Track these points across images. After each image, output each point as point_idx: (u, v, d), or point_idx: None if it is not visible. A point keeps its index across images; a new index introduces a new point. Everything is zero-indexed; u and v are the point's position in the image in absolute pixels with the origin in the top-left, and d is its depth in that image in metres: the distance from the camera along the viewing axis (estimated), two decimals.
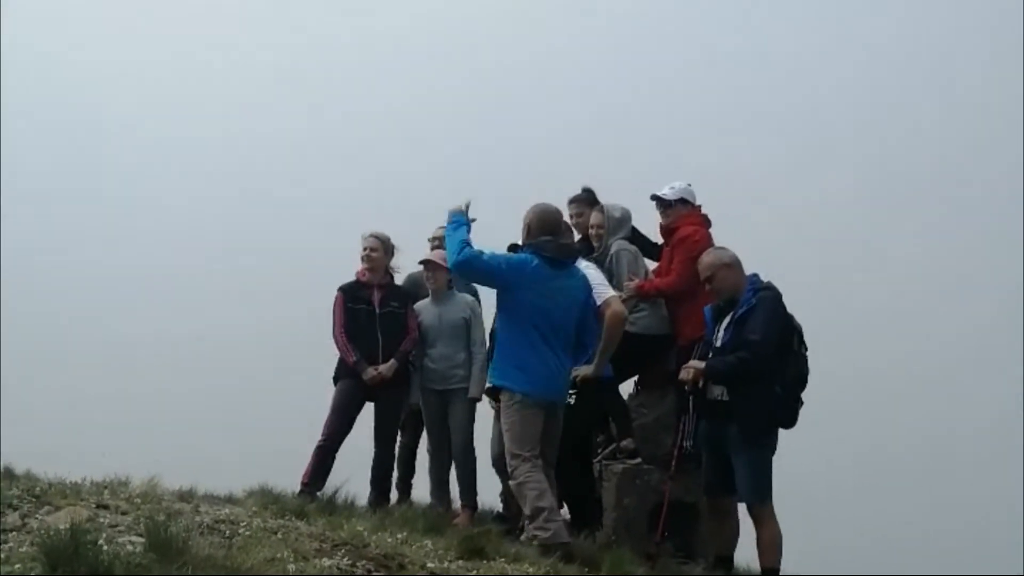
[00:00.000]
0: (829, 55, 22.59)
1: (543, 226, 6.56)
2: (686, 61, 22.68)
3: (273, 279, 18.55)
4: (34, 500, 4.98)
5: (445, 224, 6.57)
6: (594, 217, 7.84)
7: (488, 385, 7.10)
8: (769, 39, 22.64)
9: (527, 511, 6.22)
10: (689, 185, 7.82)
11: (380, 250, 8.08)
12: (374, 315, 7.91)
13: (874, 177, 21.07)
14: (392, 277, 8.21)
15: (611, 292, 6.87)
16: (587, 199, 8.07)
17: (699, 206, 7.80)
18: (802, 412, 6.53)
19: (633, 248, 7.82)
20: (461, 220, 6.46)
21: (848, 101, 22.30)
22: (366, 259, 8.05)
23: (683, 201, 7.75)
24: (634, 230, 8.04)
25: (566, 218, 7.51)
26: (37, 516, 4.69)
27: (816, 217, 20.16)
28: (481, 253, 6.36)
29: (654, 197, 7.85)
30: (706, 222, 7.73)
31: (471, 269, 6.45)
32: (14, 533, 4.37)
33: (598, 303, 6.71)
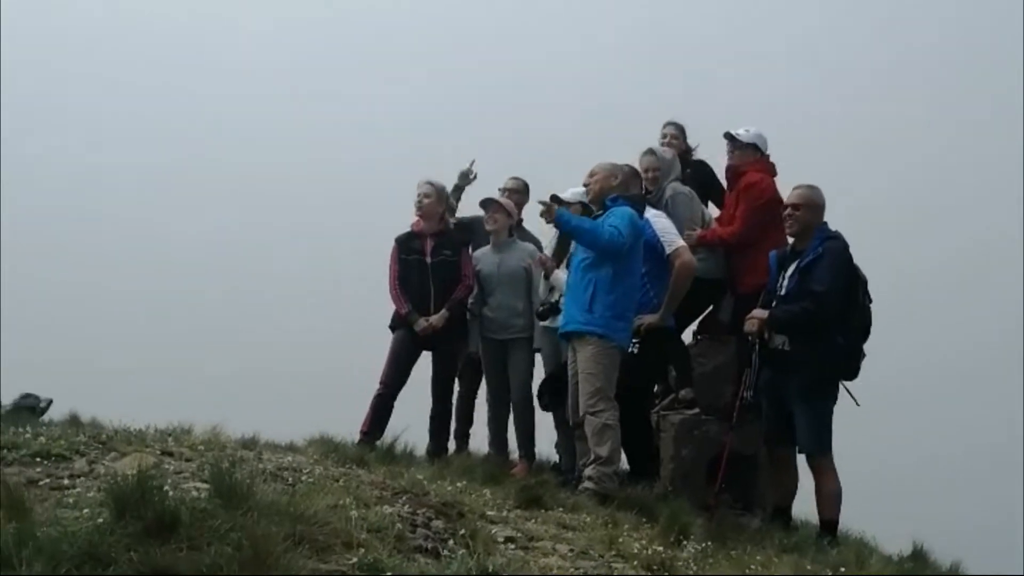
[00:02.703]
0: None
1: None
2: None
3: (334, 228, 18.67)
4: (100, 447, 5.07)
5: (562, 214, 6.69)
6: (647, 161, 7.70)
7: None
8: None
9: (603, 453, 6.33)
10: (763, 134, 7.68)
11: (433, 196, 8.02)
12: (426, 265, 7.86)
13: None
14: (447, 225, 8.13)
15: (680, 242, 6.92)
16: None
17: (768, 155, 7.65)
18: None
19: (687, 190, 7.71)
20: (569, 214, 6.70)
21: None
22: (417, 205, 8.00)
23: (754, 147, 7.61)
24: (704, 169, 8.11)
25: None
26: (103, 463, 4.77)
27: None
28: (619, 234, 6.48)
29: (727, 135, 7.71)
30: (772, 171, 7.58)
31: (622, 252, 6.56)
32: (82, 479, 4.45)
33: (667, 252, 6.73)
